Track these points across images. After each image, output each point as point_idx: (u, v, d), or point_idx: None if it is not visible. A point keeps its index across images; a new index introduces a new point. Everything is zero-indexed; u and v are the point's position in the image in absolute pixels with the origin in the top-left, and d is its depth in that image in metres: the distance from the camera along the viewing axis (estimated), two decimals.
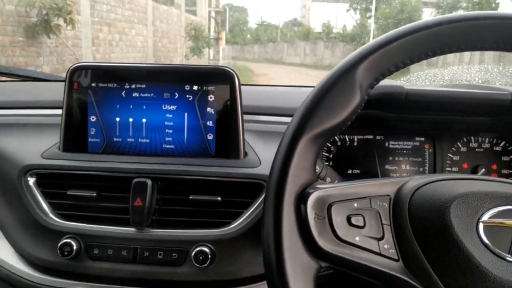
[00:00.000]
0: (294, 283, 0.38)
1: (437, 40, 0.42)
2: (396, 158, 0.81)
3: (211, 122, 0.69)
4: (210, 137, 0.69)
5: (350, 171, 0.82)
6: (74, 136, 0.71)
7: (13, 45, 4.94)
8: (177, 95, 0.69)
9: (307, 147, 0.42)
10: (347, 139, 0.82)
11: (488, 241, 0.37)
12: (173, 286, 0.68)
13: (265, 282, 0.68)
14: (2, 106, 0.83)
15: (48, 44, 5.49)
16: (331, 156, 0.82)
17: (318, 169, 0.65)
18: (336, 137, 0.81)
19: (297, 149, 0.42)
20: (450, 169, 0.81)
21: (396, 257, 0.40)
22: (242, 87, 0.69)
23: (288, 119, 0.79)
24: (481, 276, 0.36)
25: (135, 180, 0.66)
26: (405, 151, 0.82)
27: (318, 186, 0.42)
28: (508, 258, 0.37)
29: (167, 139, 0.70)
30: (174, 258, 0.65)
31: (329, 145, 0.81)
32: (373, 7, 23.89)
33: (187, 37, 11.69)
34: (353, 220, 0.41)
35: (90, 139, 0.71)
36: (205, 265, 0.64)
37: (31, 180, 0.69)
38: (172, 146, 0.70)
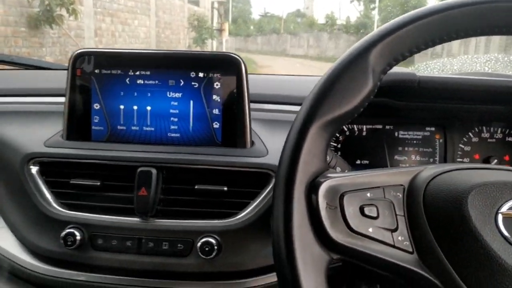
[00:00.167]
0: (304, 275, 0.37)
1: (455, 23, 0.40)
2: (406, 149, 0.80)
3: (217, 110, 0.68)
4: (216, 125, 0.68)
5: (358, 162, 0.80)
6: (78, 124, 0.69)
7: (15, 35, 4.93)
8: (182, 82, 0.67)
9: (318, 134, 0.41)
10: (356, 129, 0.80)
11: (508, 233, 0.36)
12: (178, 277, 0.67)
13: (272, 274, 0.68)
14: (4, 94, 0.82)
15: (50, 35, 5.48)
16: (339, 146, 0.80)
17: (328, 158, 0.64)
18: (344, 126, 0.79)
19: (308, 135, 0.40)
20: (461, 160, 0.79)
21: (410, 250, 0.39)
22: (248, 75, 0.67)
23: (294, 108, 0.77)
24: (500, 269, 0.34)
25: (139, 169, 0.65)
26: (415, 141, 0.80)
27: (330, 175, 0.41)
28: None
29: (172, 127, 0.68)
30: (179, 249, 0.64)
31: (337, 135, 0.80)
32: None
33: (190, 28, 11.64)
34: (366, 211, 0.39)
35: (93, 127, 0.69)
36: (211, 256, 0.63)
37: (34, 169, 0.68)
38: (177, 135, 0.68)
